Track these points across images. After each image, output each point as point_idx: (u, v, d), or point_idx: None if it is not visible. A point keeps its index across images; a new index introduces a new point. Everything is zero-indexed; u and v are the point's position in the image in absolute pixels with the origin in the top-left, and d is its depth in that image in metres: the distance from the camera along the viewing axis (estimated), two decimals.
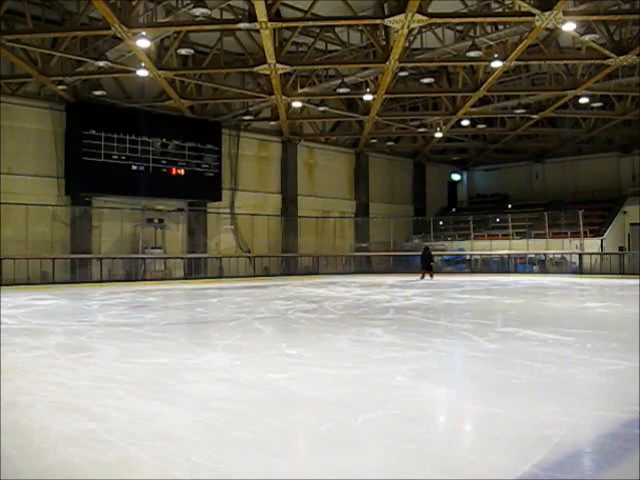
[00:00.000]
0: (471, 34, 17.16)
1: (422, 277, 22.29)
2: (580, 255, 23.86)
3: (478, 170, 35.46)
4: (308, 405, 4.26)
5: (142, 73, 18.06)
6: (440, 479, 2.91)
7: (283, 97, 20.36)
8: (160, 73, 18.03)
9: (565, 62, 19.40)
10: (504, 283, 20.20)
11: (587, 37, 15.26)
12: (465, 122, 25.16)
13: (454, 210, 34.17)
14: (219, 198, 23.63)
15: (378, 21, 15.00)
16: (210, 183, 23.17)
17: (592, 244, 24.51)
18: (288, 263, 25.74)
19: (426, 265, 22.67)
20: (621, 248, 25.35)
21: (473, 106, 22.01)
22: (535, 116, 23.62)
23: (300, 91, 20.69)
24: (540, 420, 3.80)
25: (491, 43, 16.98)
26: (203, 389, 4.74)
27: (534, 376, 5.14)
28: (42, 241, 19.62)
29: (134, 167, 21.19)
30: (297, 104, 21.99)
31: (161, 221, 22.43)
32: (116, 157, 20.70)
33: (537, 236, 26.47)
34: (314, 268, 26.04)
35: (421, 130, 26.12)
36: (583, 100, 21.84)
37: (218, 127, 23.74)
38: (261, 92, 21.04)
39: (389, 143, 29.15)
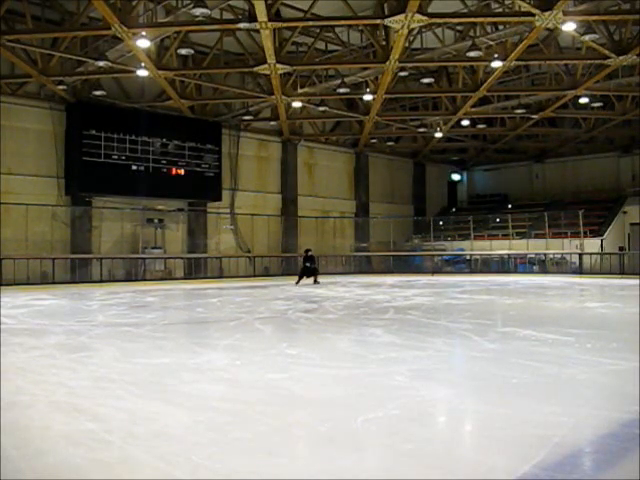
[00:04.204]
0: (471, 34, 17.15)
1: (310, 282, 19.16)
2: (580, 255, 23.85)
3: (478, 170, 35.46)
4: (308, 405, 4.26)
5: (142, 73, 18.05)
6: (440, 479, 2.91)
7: (283, 97, 20.35)
8: (160, 73, 18.02)
9: (565, 62, 19.40)
10: (504, 283, 20.20)
11: (587, 37, 15.26)
12: (465, 122, 25.15)
13: (454, 210, 34.16)
14: (219, 198, 23.63)
15: (378, 21, 15.00)
16: (210, 183, 23.17)
17: (592, 244, 24.51)
18: (288, 263, 25.73)
19: (309, 269, 19.48)
20: (621, 248, 25.34)
21: (473, 106, 22.00)
22: (535, 116, 23.62)
23: (300, 91, 20.68)
24: (540, 420, 3.80)
25: (491, 43, 16.98)
26: (203, 389, 4.74)
27: (534, 376, 5.14)
28: (42, 241, 19.62)
29: (134, 167, 21.18)
30: (297, 104, 21.98)
31: (161, 221, 22.43)
32: (116, 157, 20.70)
33: (537, 236, 26.48)
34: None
35: (421, 130, 26.11)
36: (583, 100, 21.84)
37: (218, 127, 23.74)
38: (261, 92, 21.04)
39: (389, 143, 29.14)
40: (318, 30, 18.17)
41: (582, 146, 29.70)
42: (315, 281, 19.33)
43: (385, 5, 15.52)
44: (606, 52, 16.34)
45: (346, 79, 19.69)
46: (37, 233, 19.47)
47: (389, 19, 14.24)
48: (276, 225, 26.22)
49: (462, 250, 27.61)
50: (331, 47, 19.92)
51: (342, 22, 17.13)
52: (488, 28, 16.65)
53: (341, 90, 19.54)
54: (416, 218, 31.49)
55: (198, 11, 13.43)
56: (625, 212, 27.06)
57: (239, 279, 22.39)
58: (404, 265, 27.17)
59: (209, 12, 13.89)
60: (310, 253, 19.77)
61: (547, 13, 13.59)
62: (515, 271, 25.10)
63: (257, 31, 15.24)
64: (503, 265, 26.05)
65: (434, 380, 5.08)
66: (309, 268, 19.47)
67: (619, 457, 3.20)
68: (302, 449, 3.47)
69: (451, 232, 29.83)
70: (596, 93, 21.13)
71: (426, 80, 20.14)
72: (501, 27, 16.42)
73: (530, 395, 4.48)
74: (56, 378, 5.17)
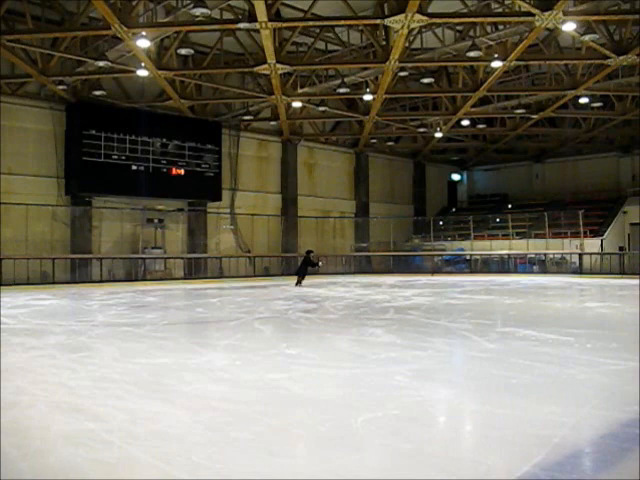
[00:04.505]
0: (471, 34, 17.16)
1: (298, 283, 18.30)
2: (580, 255, 23.86)
3: (478, 170, 35.47)
4: (308, 405, 4.26)
5: (142, 73, 18.06)
6: (440, 479, 2.91)
7: (283, 97, 20.36)
8: (160, 73, 18.03)
9: (565, 62, 19.39)
10: (504, 283, 20.20)
11: (587, 37, 15.26)
12: (465, 122, 25.16)
13: (454, 210, 34.18)
14: (219, 198, 23.63)
15: (378, 21, 14.99)
16: (210, 183, 23.17)
17: (592, 244, 24.52)
18: (288, 263, 25.73)
19: (303, 270, 18.74)
20: (621, 248, 25.36)
21: (473, 106, 22.00)
22: (535, 116, 23.62)
23: (300, 91, 20.68)
24: (540, 420, 3.80)
25: (491, 43, 16.98)
26: (203, 389, 4.75)
27: (534, 376, 5.14)
28: (42, 241, 19.62)
29: (134, 167, 21.18)
30: (297, 104, 21.98)
31: (161, 221, 22.43)
32: (116, 157, 20.69)
33: (537, 236, 26.48)
34: (314, 268, 25.98)
35: (421, 130, 26.12)
36: (583, 100, 21.84)
37: (218, 127, 23.74)
38: (261, 92, 21.04)
39: (389, 143, 29.15)
40: (318, 30, 18.16)
41: (582, 146, 29.71)
42: (298, 282, 18.26)
43: (385, 5, 15.51)
44: (606, 52, 16.34)
45: (346, 79, 19.69)
46: (37, 233, 19.48)
47: (389, 19, 14.24)
48: (276, 225, 26.22)
49: (462, 250, 27.62)
50: (331, 47, 19.90)
51: (342, 22, 17.12)
52: (488, 28, 16.65)
53: (341, 90, 19.52)
54: (416, 218, 31.49)
55: (198, 11, 13.43)
56: (625, 212, 27.08)
57: (239, 279, 22.39)
58: (404, 265, 27.16)
59: (209, 12, 13.88)
60: (312, 255, 18.99)
61: (547, 13, 13.59)
62: (515, 271, 25.10)
63: (257, 31, 15.24)
64: (503, 265, 26.06)
65: (434, 380, 5.08)
66: (305, 268, 18.75)
67: (619, 457, 3.20)
68: (302, 449, 3.47)
69: (451, 232, 29.84)
70: (596, 93, 21.13)
71: (426, 80, 20.11)
72: (501, 27, 16.42)
73: (530, 395, 4.48)
74: (56, 378, 5.17)
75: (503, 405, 4.18)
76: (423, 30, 17.38)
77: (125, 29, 14.32)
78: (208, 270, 23.15)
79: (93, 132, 20.19)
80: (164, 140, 21.99)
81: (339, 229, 28.78)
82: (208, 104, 22.93)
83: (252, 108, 23.06)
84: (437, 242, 28.31)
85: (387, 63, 16.95)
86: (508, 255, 25.91)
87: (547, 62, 19.06)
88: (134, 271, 21.33)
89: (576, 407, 4.15)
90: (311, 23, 16.85)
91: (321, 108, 22.67)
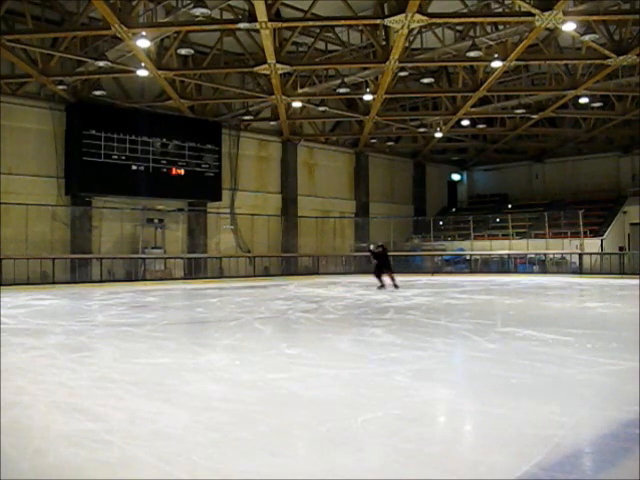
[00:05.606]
0: (471, 34, 17.16)
1: (382, 284, 16.17)
2: (580, 255, 23.86)
3: (478, 170, 35.46)
4: (308, 405, 4.26)
5: (142, 73, 18.06)
6: (440, 479, 2.91)
7: (283, 97, 20.36)
8: (160, 73, 18.02)
9: (565, 62, 19.39)
10: (504, 283, 20.19)
11: (587, 37, 15.25)
12: (465, 122, 25.15)
13: (454, 210, 34.16)
14: (219, 198, 23.63)
15: (378, 21, 14.99)
16: (210, 183, 23.17)
17: (592, 244, 24.51)
18: (288, 263, 25.74)
19: (384, 266, 16.34)
20: (621, 248, 25.35)
21: (473, 106, 22.00)
22: (535, 116, 23.62)
23: (300, 91, 20.68)
24: (540, 420, 3.80)
25: (491, 43, 16.98)
26: (203, 389, 4.74)
27: (534, 376, 5.14)
28: (42, 241, 19.62)
29: (134, 167, 21.18)
30: (297, 104, 21.98)
31: (161, 221, 22.43)
32: (116, 157, 20.69)
33: (537, 236, 26.48)
34: (314, 268, 26.03)
35: (421, 130, 26.12)
36: (583, 100, 21.84)
37: (218, 127, 23.74)
38: (261, 92, 21.04)
39: (389, 143, 29.14)
40: (318, 30, 18.16)
41: (582, 146, 29.70)
42: (394, 284, 16.01)
43: (385, 5, 15.50)
44: (606, 52, 16.34)
45: (346, 79, 19.69)
46: (37, 233, 19.47)
47: (389, 19, 14.24)
48: (276, 225, 26.22)
49: (462, 250, 27.61)
50: (331, 47, 19.90)
51: (342, 22, 17.12)
52: (488, 28, 16.65)
53: (341, 90, 19.52)
54: (416, 218, 31.48)
55: (198, 11, 13.43)
56: (625, 212, 27.07)
57: (239, 279, 22.39)
58: (404, 265, 27.11)
59: (209, 12, 13.89)
60: (380, 249, 16.35)
61: (547, 13, 13.59)
62: (515, 271, 25.10)
63: (257, 31, 15.24)
64: (503, 265, 26.05)
65: (434, 380, 5.08)
66: (385, 264, 16.26)
67: (619, 457, 3.21)
68: (302, 449, 3.47)
69: (451, 232, 29.83)
70: (596, 93, 21.13)
71: (426, 80, 20.11)
72: (501, 27, 16.41)
73: (530, 395, 4.48)
74: (56, 378, 5.17)
75: (503, 405, 4.17)
76: (423, 30, 17.38)
77: (125, 29, 14.31)
78: (208, 270, 23.15)
79: (93, 132, 20.19)
80: (164, 140, 21.99)
81: (339, 229, 28.78)
82: (208, 104, 22.93)
83: (252, 108, 23.06)
84: (437, 242, 28.31)
85: (387, 63, 16.95)
86: (508, 255, 25.90)
87: (547, 62, 19.06)
88: (134, 271, 21.32)
89: (576, 407, 4.14)
90: (311, 23, 16.85)
91: (321, 108, 22.67)
